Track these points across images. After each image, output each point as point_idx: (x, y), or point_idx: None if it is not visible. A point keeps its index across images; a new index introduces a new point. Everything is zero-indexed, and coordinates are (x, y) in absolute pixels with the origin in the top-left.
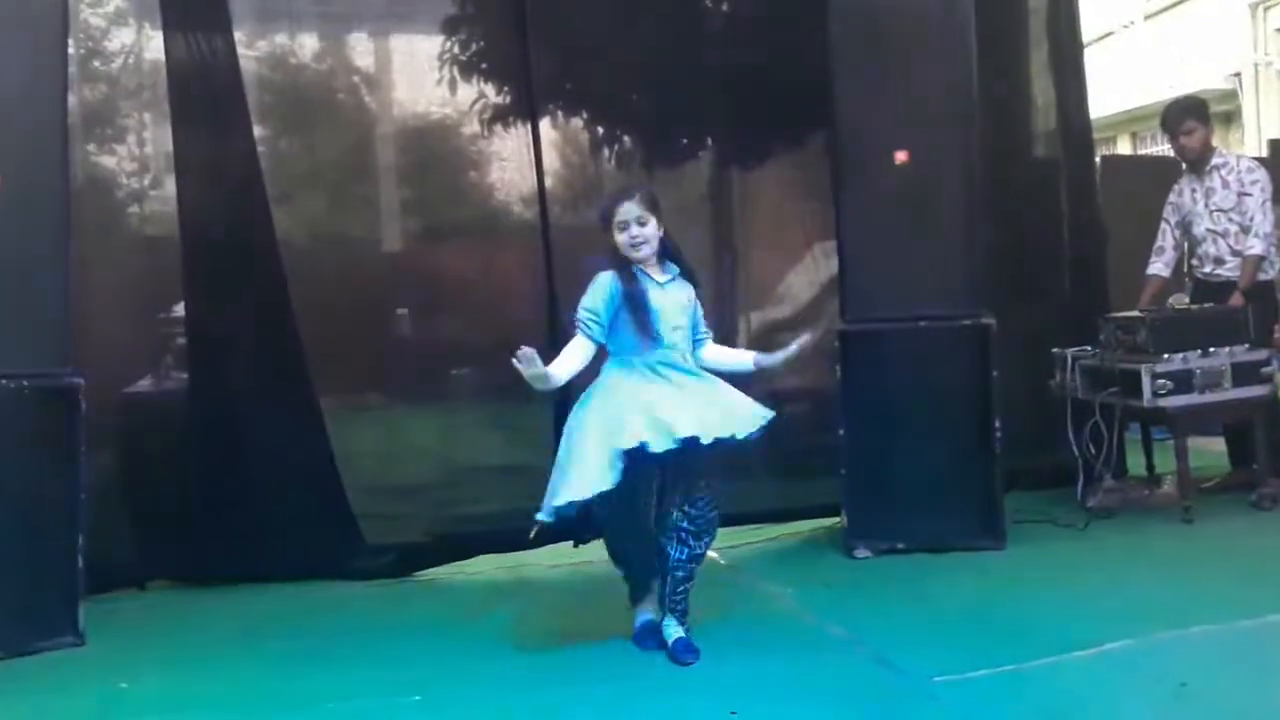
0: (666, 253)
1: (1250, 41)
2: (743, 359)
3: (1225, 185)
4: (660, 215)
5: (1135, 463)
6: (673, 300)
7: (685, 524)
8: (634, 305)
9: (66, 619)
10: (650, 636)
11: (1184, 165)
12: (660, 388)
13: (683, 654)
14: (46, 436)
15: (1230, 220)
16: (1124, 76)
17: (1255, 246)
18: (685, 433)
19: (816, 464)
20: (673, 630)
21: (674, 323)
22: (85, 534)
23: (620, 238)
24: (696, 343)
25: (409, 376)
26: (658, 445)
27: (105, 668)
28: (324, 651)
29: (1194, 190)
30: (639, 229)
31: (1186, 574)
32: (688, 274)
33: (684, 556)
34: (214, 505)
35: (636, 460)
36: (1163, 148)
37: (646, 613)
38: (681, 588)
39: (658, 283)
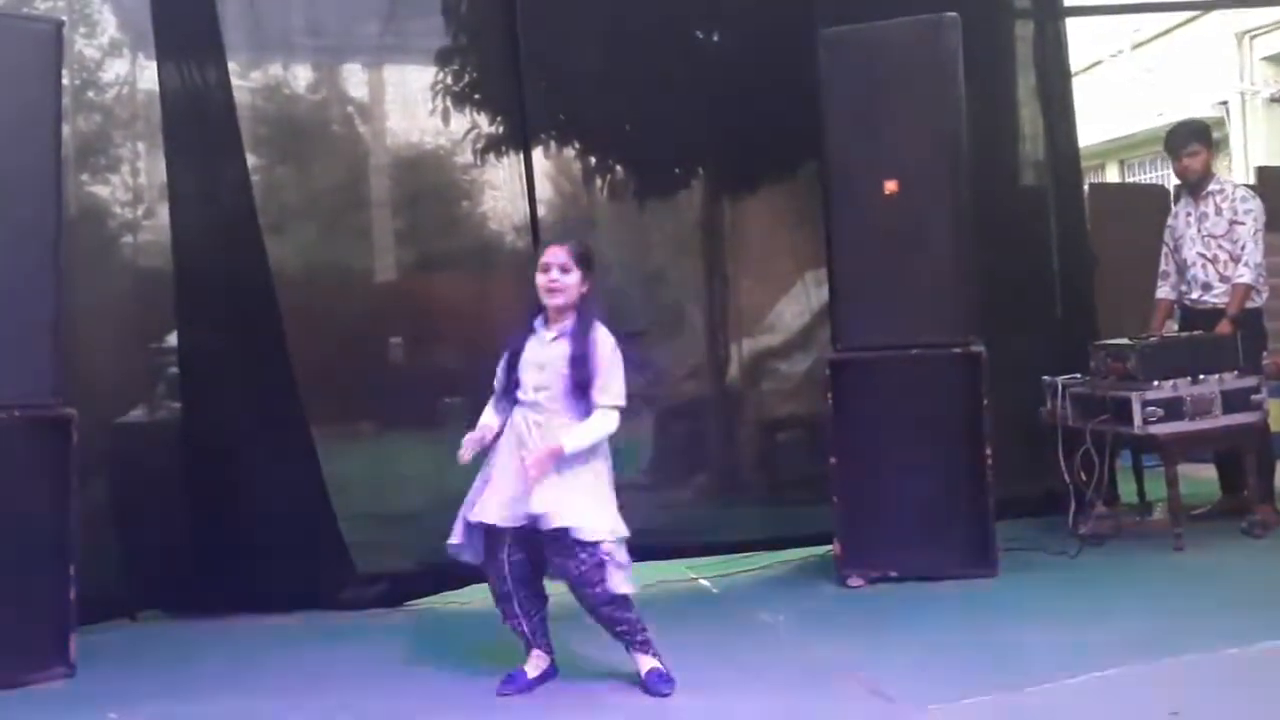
0: (585, 312)
1: (1238, 70)
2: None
3: (1218, 212)
4: (591, 273)
5: (1126, 490)
6: (545, 358)
7: (568, 580)
8: (509, 360)
9: (58, 650)
10: (507, 683)
11: (1179, 189)
12: (512, 456)
13: (657, 684)
14: (38, 467)
15: (1220, 247)
16: (1112, 105)
17: (1244, 275)
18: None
19: (809, 492)
20: (643, 663)
21: (537, 382)
22: (77, 564)
23: (539, 279)
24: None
25: (401, 405)
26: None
27: (96, 699)
28: (315, 682)
29: (1188, 214)
30: (559, 275)
31: (1178, 601)
32: (583, 332)
33: (587, 607)
34: (206, 535)
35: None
36: (1151, 176)
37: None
38: (617, 627)
39: (543, 340)
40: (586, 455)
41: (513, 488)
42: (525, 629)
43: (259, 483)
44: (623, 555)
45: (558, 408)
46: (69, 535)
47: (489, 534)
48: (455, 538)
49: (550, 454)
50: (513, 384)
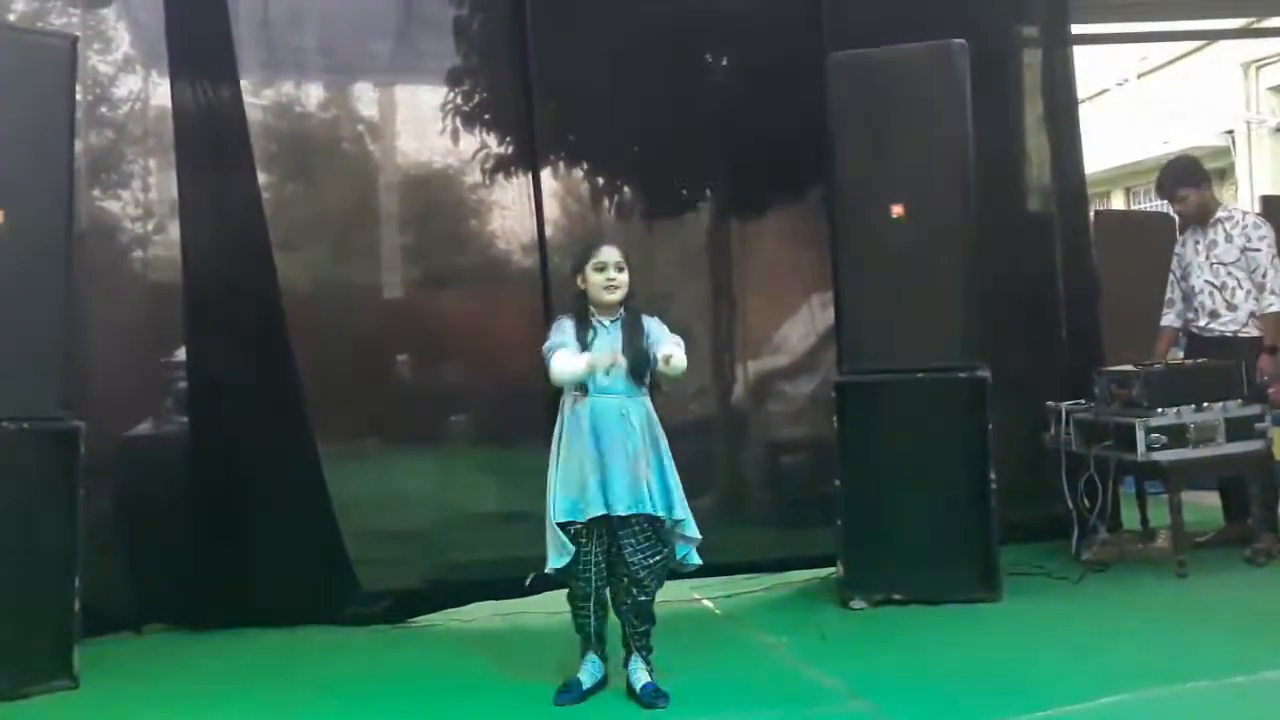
0: (632, 306)
1: (1244, 99)
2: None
3: (1229, 239)
4: (633, 273)
5: (1129, 516)
6: (610, 346)
7: (625, 572)
8: (575, 347)
9: (61, 662)
10: (567, 691)
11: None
12: (592, 447)
13: (653, 699)
14: (45, 479)
15: (1229, 274)
16: (1118, 133)
17: (1274, 304)
18: (608, 509)
19: (813, 514)
20: (639, 675)
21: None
22: (82, 577)
23: (596, 278)
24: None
25: (408, 422)
26: (589, 513)
27: (99, 711)
28: (318, 698)
29: (1196, 242)
30: (617, 274)
31: (1181, 629)
32: (634, 317)
33: (629, 601)
34: (211, 550)
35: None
36: (1157, 203)
37: (583, 667)
38: (640, 629)
39: (605, 328)
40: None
41: (626, 474)
42: (595, 628)
43: (265, 497)
44: None
45: (629, 390)
46: (75, 547)
47: (579, 532)
48: (556, 553)
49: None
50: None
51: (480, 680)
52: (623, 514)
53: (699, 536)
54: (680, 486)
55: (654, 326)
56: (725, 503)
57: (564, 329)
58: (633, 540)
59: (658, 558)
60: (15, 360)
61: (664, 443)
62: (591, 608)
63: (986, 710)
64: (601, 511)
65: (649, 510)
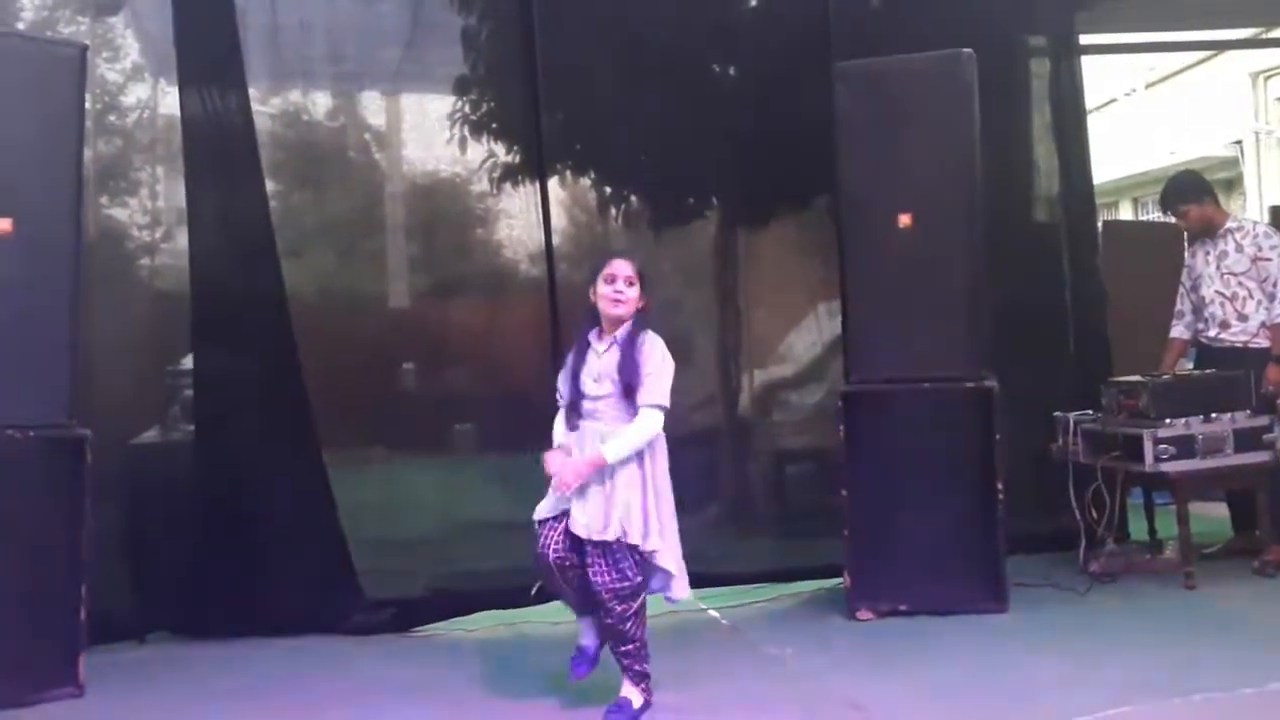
0: (638, 325)
1: (1252, 110)
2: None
3: (1239, 249)
4: (646, 289)
5: (1137, 528)
6: (601, 369)
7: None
8: (571, 374)
9: (66, 670)
10: (580, 662)
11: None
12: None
13: (615, 712)
14: (52, 487)
15: (1240, 285)
16: (1126, 143)
17: None
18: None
19: (819, 524)
20: (624, 688)
21: (595, 393)
22: (88, 585)
23: (604, 289)
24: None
25: (413, 431)
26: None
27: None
28: (321, 708)
29: (1207, 252)
30: (625, 288)
31: (1188, 641)
32: (632, 339)
33: (606, 621)
34: (216, 558)
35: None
36: (1165, 215)
37: (584, 633)
38: (616, 649)
39: (597, 352)
40: (631, 461)
41: (598, 497)
42: (572, 600)
43: (270, 506)
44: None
45: (617, 415)
46: (80, 555)
47: (544, 524)
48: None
49: (589, 464)
50: (576, 397)
51: (483, 687)
52: (583, 536)
53: (671, 570)
54: (658, 514)
55: (649, 362)
56: (731, 513)
57: (565, 368)
58: (595, 562)
59: (624, 584)
60: (23, 368)
61: (655, 468)
62: (560, 584)
63: None
64: (566, 508)
65: (603, 536)
